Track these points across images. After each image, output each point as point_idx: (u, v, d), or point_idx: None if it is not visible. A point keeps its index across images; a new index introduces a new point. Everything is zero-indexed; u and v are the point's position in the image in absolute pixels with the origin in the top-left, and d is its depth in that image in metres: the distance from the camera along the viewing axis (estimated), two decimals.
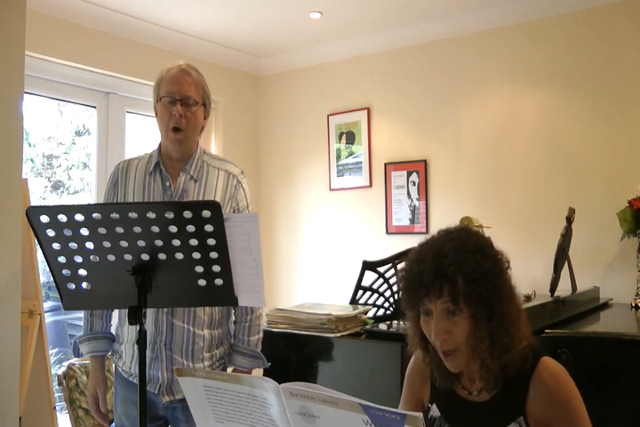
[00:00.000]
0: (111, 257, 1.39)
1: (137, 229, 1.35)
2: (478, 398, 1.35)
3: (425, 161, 3.87)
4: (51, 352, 3.14)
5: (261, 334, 1.99)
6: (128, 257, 1.39)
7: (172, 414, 1.89)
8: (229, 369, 2.02)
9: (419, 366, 1.46)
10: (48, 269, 1.44)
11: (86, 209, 1.38)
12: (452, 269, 1.25)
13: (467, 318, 1.26)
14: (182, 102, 1.87)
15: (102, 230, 1.36)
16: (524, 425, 1.28)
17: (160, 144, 1.99)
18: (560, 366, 1.31)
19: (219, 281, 1.43)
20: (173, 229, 1.36)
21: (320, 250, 4.33)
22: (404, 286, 1.35)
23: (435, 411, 1.41)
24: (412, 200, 3.92)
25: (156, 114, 1.95)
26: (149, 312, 1.80)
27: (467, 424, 1.35)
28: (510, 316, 1.29)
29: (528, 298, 2.60)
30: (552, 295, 2.62)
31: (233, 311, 1.99)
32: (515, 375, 1.29)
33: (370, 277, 2.49)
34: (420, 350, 1.39)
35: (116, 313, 2.02)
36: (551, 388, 1.27)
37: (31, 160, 3.74)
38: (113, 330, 2.02)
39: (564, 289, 2.76)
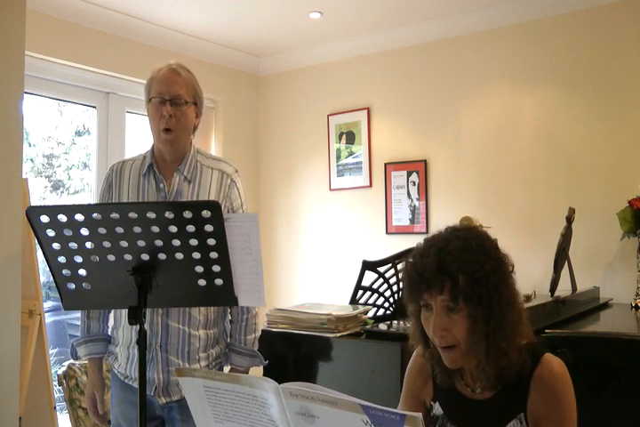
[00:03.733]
0: (111, 257, 1.39)
1: (137, 229, 1.35)
2: (481, 395, 1.35)
3: (425, 161, 3.87)
4: (51, 352, 3.14)
5: (258, 333, 1.99)
6: (128, 257, 1.39)
7: (168, 414, 1.89)
8: (226, 368, 2.02)
9: (419, 364, 1.46)
10: (48, 269, 1.44)
11: (86, 209, 1.38)
12: (455, 266, 1.25)
13: (465, 316, 1.26)
14: (172, 102, 1.87)
15: (102, 230, 1.36)
16: (524, 422, 1.29)
17: (153, 145, 1.99)
18: (562, 365, 1.31)
19: (219, 281, 1.43)
20: (173, 229, 1.36)
21: (320, 250, 4.33)
22: (406, 279, 1.34)
23: (437, 409, 1.41)
24: (411, 200, 3.92)
25: (148, 114, 1.94)
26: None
27: (470, 422, 1.36)
28: (510, 319, 1.28)
29: (528, 298, 2.60)
30: (552, 295, 2.62)
31: (229, 311, 1.98)
32: (514, 377, 1.30)
33: (370, 277, 2.49)
34: (421, 346, 1.39)
35: (111, 315, 2.02)
36: (549, 384, 1.28)
37: (31, 160, 3.74)
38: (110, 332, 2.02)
39: (564, 289, 2.75)
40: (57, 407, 2.86)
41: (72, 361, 2.49)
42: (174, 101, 1.87)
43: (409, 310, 1.38)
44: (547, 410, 1.28)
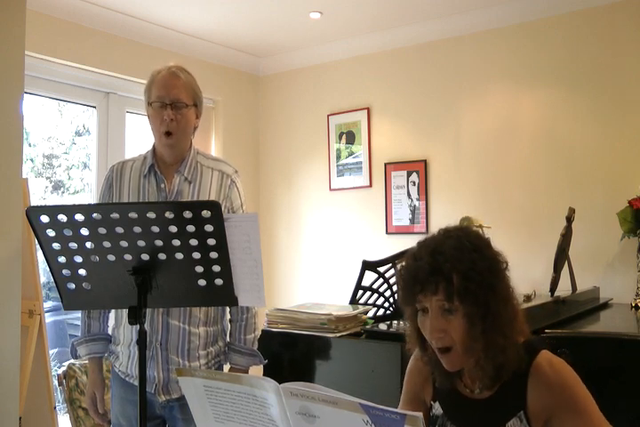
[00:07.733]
0: (111, 257, 1.39)
1: (137, 229, 1.35)
2: (480, 395, 1.35)
3: (425, 161, 3.87)
4: (51, 352, 3.14)
5: (257, 332, 2.00)
6: (128, 257, 1.39)
7: (169, 414, 1.90)
8: (226, 367, 2.02)
9: (419, 364, 1.45)
10: (48, 269, 1.44)
11: (86, 209, 1.38)
12: (448, 266, 1.24)
13: (461, 316, 1.25)
14: (172, 106, 1.88)
15: (102, 230, 1.36)
16: (524, 420, 1.27)
17: (154, 145, 2.00)
18: (558, 358, 1.31)
19: (219, 281, 1.43)
20: (173, 229, 1.36)
21: (320, 250, 4.33)
22: (401, 283, 1.34)
23: (437, 409, 1.41)
24: (411, 200, 3.92)
25: (149, 116, 1.96)
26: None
27: (469, 422, 1.35)
28: (506, 316, 1.28)
29: (528, 298, 2.60)
30: (552, 295, 2.62)
31: (228, 310, 1.99)
32: (512, 375, 1.29)
33: (370, 277, 2.49)
34: (418, 349, 1.39)
35: (112, 315, 2.03)
36: (549, 377, 1.26)
37: (31, 160, 3.74)
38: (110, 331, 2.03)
39: (564, 289, 2.76)
40: (57, 407, 2.86)
41: (72, 361, 2.49)
42: (175, 105, 1.89)
43: (405, 314, 1.37)
44: (557, 401, 1.24)
